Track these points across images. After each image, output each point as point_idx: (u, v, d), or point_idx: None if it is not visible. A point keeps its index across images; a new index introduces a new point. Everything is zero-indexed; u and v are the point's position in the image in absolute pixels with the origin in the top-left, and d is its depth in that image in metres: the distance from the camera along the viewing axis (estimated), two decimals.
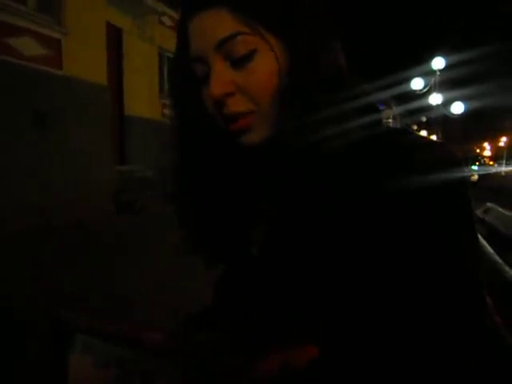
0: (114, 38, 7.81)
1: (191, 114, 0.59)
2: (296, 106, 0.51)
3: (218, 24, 0.51)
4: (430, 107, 19.83)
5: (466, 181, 0.51)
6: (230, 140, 0.56)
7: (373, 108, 0.56)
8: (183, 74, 0.57)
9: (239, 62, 0.51)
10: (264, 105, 0.52)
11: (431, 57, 18.96)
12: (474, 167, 31.08)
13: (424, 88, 19.12)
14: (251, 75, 0.51)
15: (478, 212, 4.19)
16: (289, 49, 0.52)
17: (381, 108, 0.58)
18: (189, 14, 0.54)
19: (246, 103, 0.52)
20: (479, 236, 0.53)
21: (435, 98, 19.43)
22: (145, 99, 8.22)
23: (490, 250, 2.70)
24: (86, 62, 6.35)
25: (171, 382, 0.46)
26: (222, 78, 0.52)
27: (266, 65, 0.51)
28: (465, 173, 0.50)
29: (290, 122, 0.51)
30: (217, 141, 0.58)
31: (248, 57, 0.51)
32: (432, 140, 0.54)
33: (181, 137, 0.61)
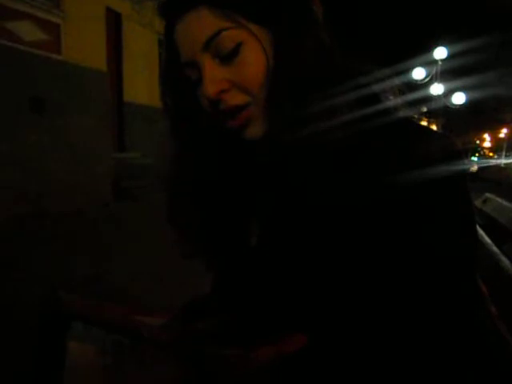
0: (114, 23, 7.72)
1: (187, 114, 0.59)
2: (285, 95, 0.51)
3: (200, 25, 0.51)
4: (431, 97, 19.72)
5: (465, 172, 0.51)
6: (228, 137, 0.56)
7: (373, 98, 0.55)
8: (175, 77, 0.58)
9: (228, 58, 0.52)
10: (259, 95, 0.52)
11: (433, 46, 18.81)
12: (474, 158, 31.07)
13: (425, 78, 19.00)
14: (241, 68, 0.52)
15: (477, 202, 4.20)
16: (273, 35, 0.52)
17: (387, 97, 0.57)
18: (171, 21, 0.54)
19: (242, 96, 0.52)
20: (477, 226, 0.54)
21: (436, 88, 19.32)
22: (144, 85, 8.15)
23: (487, 239, 2.72)
24: (85, 47, 6.29)
25: (168, 370, 0.47)
26: (213, 77, 0.52)
27: (254, 55, 0.51)
28: (465, 164, 0.50)
29: (282, 113, 0.51)
30: (215, 138, 0.59)
31: (235, 51, 0.51)
32: (434, 131, 0.54)
33: (179, 135, 0.61)
